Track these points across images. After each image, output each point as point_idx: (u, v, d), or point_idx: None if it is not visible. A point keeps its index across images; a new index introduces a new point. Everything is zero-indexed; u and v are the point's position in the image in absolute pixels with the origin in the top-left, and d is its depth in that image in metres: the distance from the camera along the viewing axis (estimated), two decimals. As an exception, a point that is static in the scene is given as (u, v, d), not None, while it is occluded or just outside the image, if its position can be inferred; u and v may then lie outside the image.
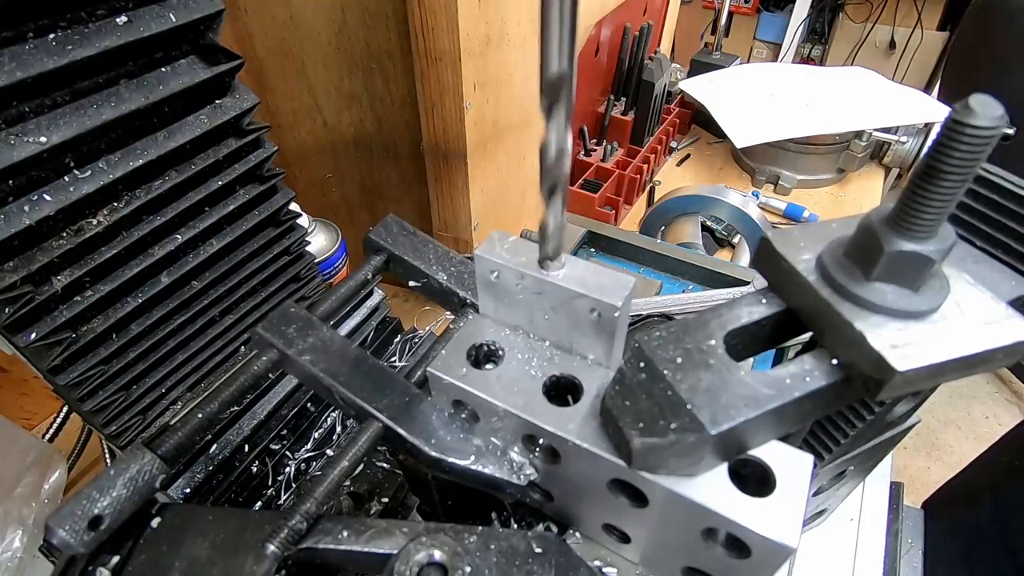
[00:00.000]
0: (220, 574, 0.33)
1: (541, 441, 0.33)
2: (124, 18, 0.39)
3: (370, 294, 0.67)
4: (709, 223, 1.30)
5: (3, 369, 0.82)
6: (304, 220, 0.61)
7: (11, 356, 0.44)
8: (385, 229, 0.46)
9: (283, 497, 0.55)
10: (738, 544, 0.28)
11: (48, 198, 0.39)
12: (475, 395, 0.34)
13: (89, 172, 0.41)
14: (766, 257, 0.29)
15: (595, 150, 1.38)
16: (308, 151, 0.95)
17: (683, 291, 0.81)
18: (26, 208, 0.38)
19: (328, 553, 0.33)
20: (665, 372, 0.26)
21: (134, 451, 0.35)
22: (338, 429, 0.61)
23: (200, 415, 0.37)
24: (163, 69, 0.44)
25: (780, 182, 1.48)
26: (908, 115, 1.32)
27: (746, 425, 0.25)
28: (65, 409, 0.73)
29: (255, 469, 0.55)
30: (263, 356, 0.38)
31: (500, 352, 0.36)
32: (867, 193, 1.48)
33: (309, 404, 0.60)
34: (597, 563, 0.37)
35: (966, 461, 1.00)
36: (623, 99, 1.41)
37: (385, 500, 0.54)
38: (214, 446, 0.53)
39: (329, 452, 0.60)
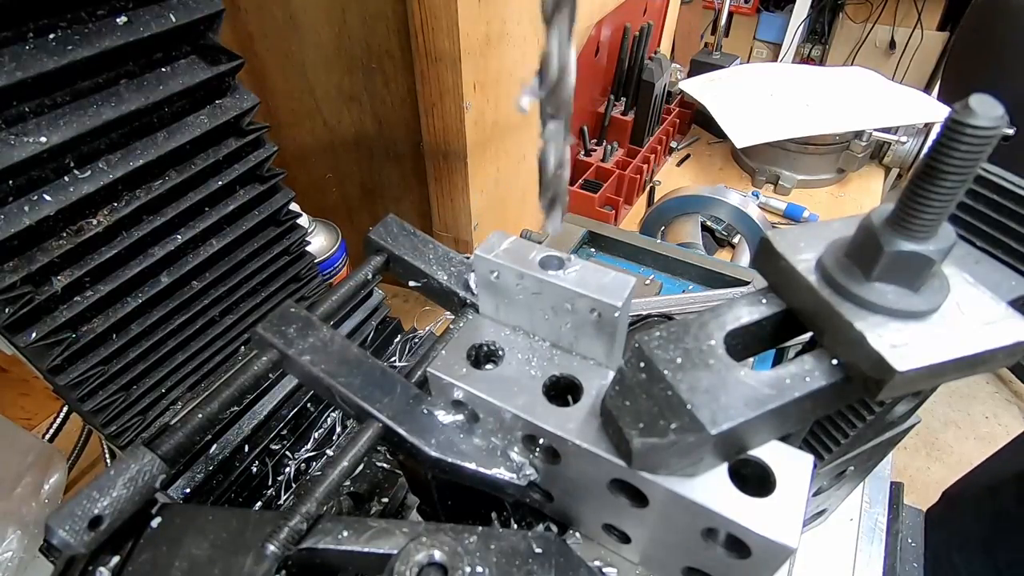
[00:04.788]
0: (220, 574, 0.33)
1: (541, 441, 0.33)
2: (124, 18, 0.39)
3: (370, 294, 0.67)
4: (709, 223, 1.29)
5: (3, 369, 0.82)
6: (304, 220, 0.61)
7: (11, 356, 0.44)
8: (385, 229, 0.46)
9: (283, 497, 0.55)
10: (738, 544, 0.28)
11: (48, 198, 0.39)
12: (475, 395, 0.34)
13: (89, 172, 0.41)
14: (766, 257, 0.29)
15: (595, 150, 1.38)
16: (308, 151, 0.95)
17: (683, 291, 0.81)
18: (26, 208, 0.38)
19: (328, 553, 0.33)
20: (665, 372, 0.26)
21: (134, 451, 0.35)
22: (338, 429, 0.61)
23: (200, 415, 0.37)
24: (163, 69, 0.44)
25: (780, 182, 1.48)
26: (908, 115, 1.32)
27: (746, 425, 0.25)
28: (65, 409, 0.74)
29: (255, 469, 0.55)
30: (263, 356, 0.38)
31: (500, 352, 0.36)
32: (867, 193, 1.48)
33: (309, 404, 0.60)
34: (597, 563, 0.37)
35: (966, 461, 1.00)
36: (623, 99, 1.41)
37: (385, 500, 0.54)
38: (214, 446, 0.53)
39: (329, 452, 0.60)
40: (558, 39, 0.24)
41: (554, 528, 0.39)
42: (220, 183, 0.49)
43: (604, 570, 0.37)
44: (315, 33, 0.80)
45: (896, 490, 0.60)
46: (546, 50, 0.24)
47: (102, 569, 0.34)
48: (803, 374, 0.26)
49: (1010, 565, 0.78)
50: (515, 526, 0.41)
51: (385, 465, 0.56)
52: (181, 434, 0.37)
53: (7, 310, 0.39)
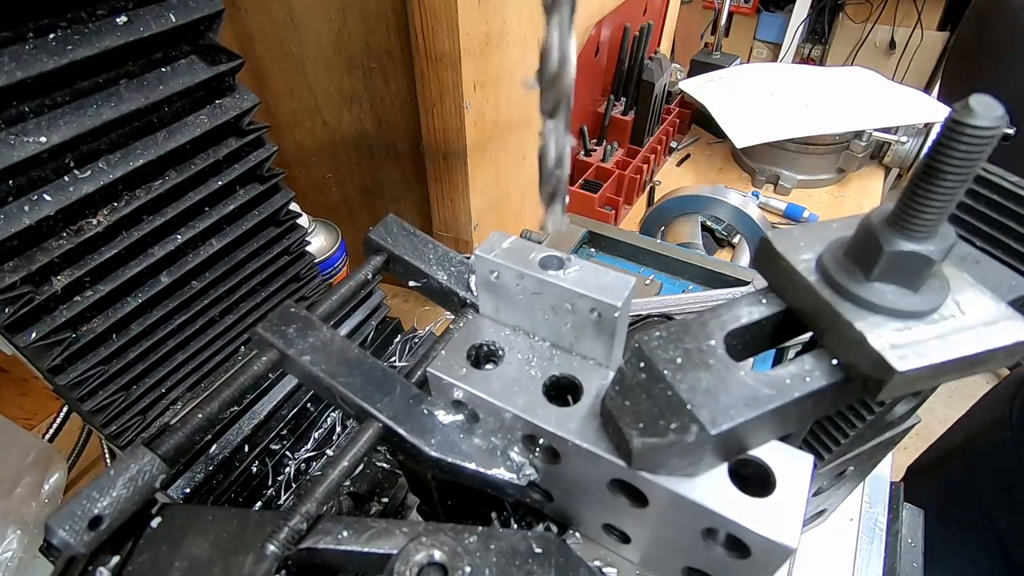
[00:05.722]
0: (220, 574, 0.33)
1: (541, 441, 0.33)
2: (124, 18, 0.39)
3: (370, 294, 0.67)
4: (709, 223, 1.29)
5: (3, 369, 0.82)
6: (304, 220, 0.61)
7: (11, 356, 0.44)
8: (385, 229, 0.46)
9: (283, 497, 0.55)
10: (738, 544, 0.28)
11: (48, 198, 0.39)
12: (475, 395, 0.34)
13: (89, 172, 0.41)
14: (766, 257, 0.29)
15: (595, 150, 1.38)
16: (308, 151, 0.95)
17: (683, 291, 0.81)
18: (26, 208, 0.38)
19: (328, 553, 0.33)
20: (665, 372, 0.26)
21: (134, 451, 0.35)
22: (338, 429, 0.61)
23: (200, 415, 0.37)
24: (163, 69, 0.44)
25: (780, 182, 1.47)
26: (908, 115, 1.32)
27: (746, 425, 0.25)
28: (65, 409, 0.73)
29: (255, 469, 0.55)
30: (263, 356, 0.38)
31: (500, 352, 0.36)
32: (867, 193, 1.48)
33: (309, 404, 0.60)
34: (597, 563, 0.37)
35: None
36: (623, 99, 1.41)
37: (385, 500, 0.54)
38: (214, 446, 0.53)
39: (329, 452, 0.60)
40: (559, 29, 0.24)
41: (554, 528, 0.39)
42: (220, 183, 0.49)
43: (604, 570, 0.37)
44: (315, 33, 0.80)
45: (896, 490, 0.60)
46: (546, 41, 0.24)
47: (102, 569, 0.34)
48: (803, 374, 0.26)
49: (962, 527, 0.80)
50: (515, 526, 0.41)
51: (385, 465, 0.56)
52: (181, 434, 0.37)
53: (7, 310, 0.39)
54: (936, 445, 0.99)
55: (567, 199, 0.30)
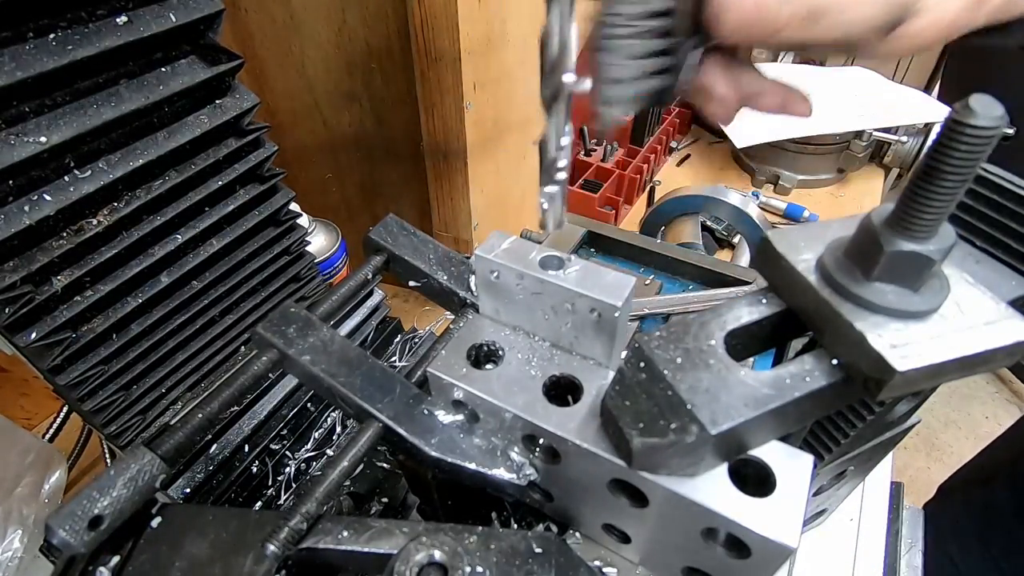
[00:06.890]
0: (220, 574, 0.33)
1: (541, 441, 0.33)
2: (124, 18, 0.39)
3: (370, 294, 0.67)
4: (709, 223, 1.29)
5: (3, 369, 0.82)
6: (304, 220, 0.61)
7: (11, 356, 0.44)
8: (385, 229, 0.46)
9: (283, 497, 0.55)
10: (738, 544, 0.28)
11: (48, 198, 0.39)
12: (475, 395, 0.34)
13: (89, 172, 0.41)
14: (766, 257, 0.29)
15: (595, 150, 1.38)
16: (308, 151, 0.95)
17: (683, 291, 0.81)
18: (26, 208, 0.38)
19: (328, 553, 0.33)
20: (665, 372, 0.26)
21: (134, 451, 0.35)
22: (338, 429, 0.61)
23: (200, 415, 0.37)
24: (163, 69, 0.44)
25: (780, 182, 1.47)
26: (908, 115, 1.32)
27: (746, 425, 0.25)
28: (65, 409, 0.73)
29: (255, 469, 0.55)
30: (263, 356, 0.38)
31: (500, 352, 0.36)
32: (867, 193, 1.48)
33: (309, 404, 0.60)
34: (597, 563, 0.37)
35: (966, 461, 1.00)
36: (623, 99, 1.41)
37: (385, 500, 0.54)
38: (214, 446, 0.53)
39: (329, 452, 0.60)
40: (559, 15, 0.23)
41: (554, 528, 0.39)
42: (220, 183, 0.49)
43: (604, 570, 0.37)
44: (315, 33, 0.80)
45: (896, 490, 0.60)
46: (547, 27, 0.23)
47: (102, 569, 0.34)
48: (803, 374, 0.26)
49: (1005, 554, 0.78)
50: (515, 526, 0.41)
51: (385, 465, 0.56)
52: (181, 434, 0.37)
53: (7, 310, 0.39)
54: (974, 464, 0.96)
55: (566, 197, 0.30)
